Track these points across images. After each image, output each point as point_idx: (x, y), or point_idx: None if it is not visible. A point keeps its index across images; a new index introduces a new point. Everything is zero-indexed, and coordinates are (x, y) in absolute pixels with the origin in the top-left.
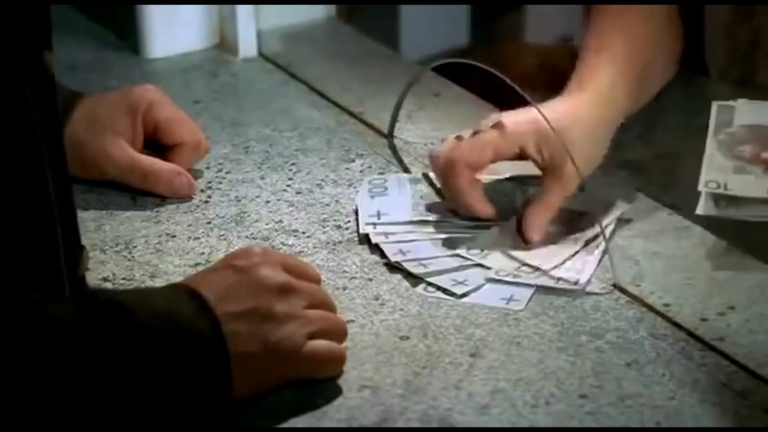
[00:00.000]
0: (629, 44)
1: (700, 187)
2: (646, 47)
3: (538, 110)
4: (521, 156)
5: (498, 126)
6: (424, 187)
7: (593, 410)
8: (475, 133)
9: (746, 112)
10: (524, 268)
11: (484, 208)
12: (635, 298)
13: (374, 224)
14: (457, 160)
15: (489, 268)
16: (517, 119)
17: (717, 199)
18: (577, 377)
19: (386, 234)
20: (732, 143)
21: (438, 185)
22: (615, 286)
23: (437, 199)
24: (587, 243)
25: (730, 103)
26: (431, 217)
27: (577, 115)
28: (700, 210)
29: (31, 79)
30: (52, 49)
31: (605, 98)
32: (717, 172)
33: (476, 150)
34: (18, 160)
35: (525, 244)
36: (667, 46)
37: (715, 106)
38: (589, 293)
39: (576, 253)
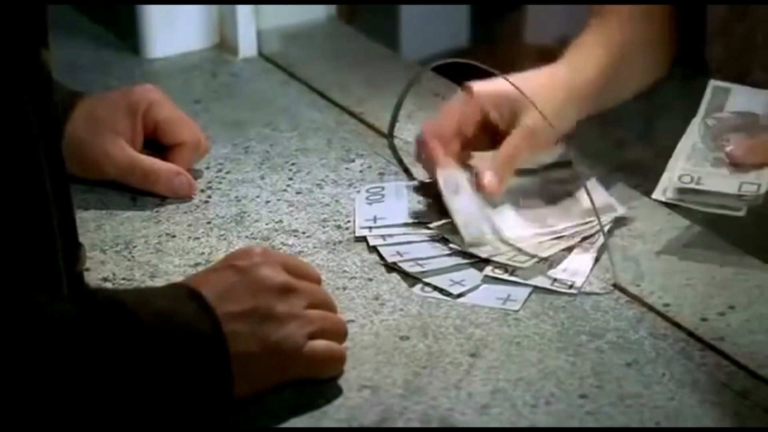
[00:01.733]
0: (614, 38)
1: (674, 178)
2: (631, 45)
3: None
4: (486, 123)
5: (466, 90)
6: (421, 194)
7: (593, 410)
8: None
9: (740, 97)
10: (519, 257)
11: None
12: (635, 298)
13: (370, 228)
14: (425, 132)
15: (483, 261)
16: (482, 86)
17: (684, 190)
18: (577, 377)
19: (384, 236)
20: (719, 130)
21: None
22: (615, 286)
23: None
24: (584, 239)
25: (727, 84)
26: (428, 220)
27: (538, 80)
28: (658, 195)
29: (28, 77)
30: (49, 47)
31: (572, 74)
32: (694, 165)
33: (442, 118)
34: (15, 158)
35: (480, 191)
36: (658, 48)
37: (711, 85)
38: (589, 293)
39: (572, 248)
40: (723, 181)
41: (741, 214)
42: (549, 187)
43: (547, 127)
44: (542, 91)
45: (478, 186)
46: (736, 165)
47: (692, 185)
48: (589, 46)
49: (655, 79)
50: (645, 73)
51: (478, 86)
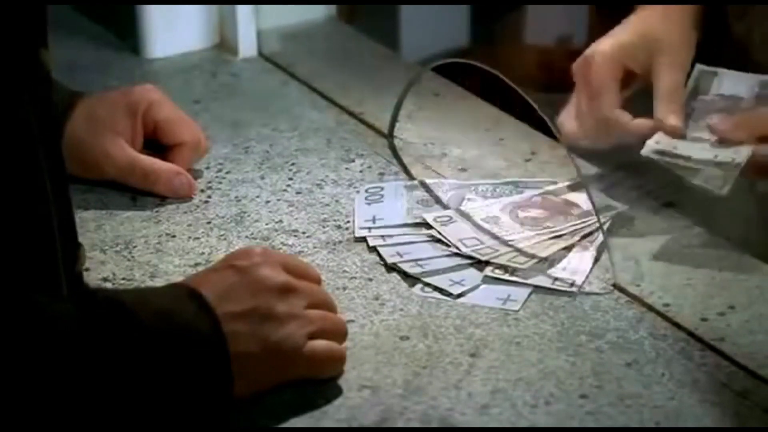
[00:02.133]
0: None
1: (651, 143)
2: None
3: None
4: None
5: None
6: (420, 194)
7: (593, 410)
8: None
9: (726, 81)
10: (519, 258)
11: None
12: (635, 298)
13: (369, 228)
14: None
15: (483, 262)
16: (608, 44)
17: (660, 151)
18: (577, 377)
19: (384, 237)
20: (703, 111)
21: (436, 192)
22: (615, 286)
23: (434, 205)
24: (583, 238)
25: (713, 69)
26: (427, 219)
27: (662, 20)
28: (645, 151)
29: (28, 77)
30: (48, 47)
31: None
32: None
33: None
34: (15, 158)
35: (672, 132)
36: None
37: (697, 69)
38: (589, 293)
39: (572, 246)
40: (699, 151)
41: (723, 192)
42: (546, 197)
43: (684, 50)
44: (667, 29)
45: (663, 131)
46: (720, 140)
47: (668, 149)
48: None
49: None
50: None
51: (605, 46)
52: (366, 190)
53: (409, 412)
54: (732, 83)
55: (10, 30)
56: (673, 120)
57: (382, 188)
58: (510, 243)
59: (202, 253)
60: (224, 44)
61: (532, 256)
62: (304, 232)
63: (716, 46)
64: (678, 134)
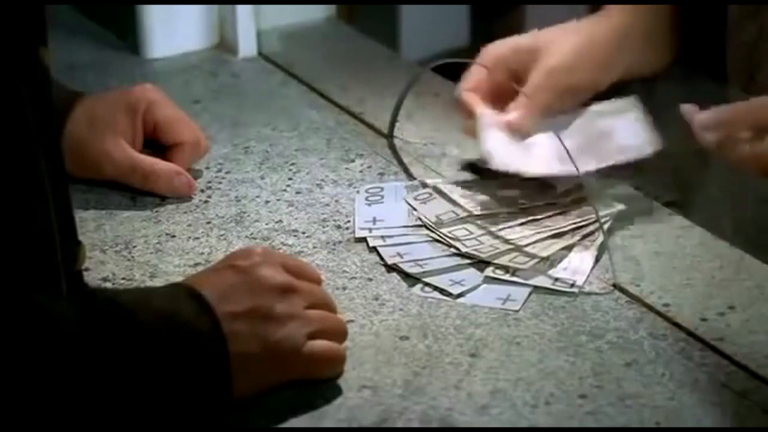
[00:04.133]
0: (617, 21)
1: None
2: (632, 28)
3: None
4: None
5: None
6: (421, 194)
7: (593, 410)
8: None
9: None
10: (520, 258)
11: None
12: (635, 298)
13: (369, 229)
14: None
15: (484, 262)
16: (497, 47)
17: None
18: (577, 377)
19: (384, 237)
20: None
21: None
22: (615, 286)
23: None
24: (584, 237)
25: None
26: (427, 219)
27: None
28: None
29: (27, 75)
30: (48, 45)
31: (594, 27)
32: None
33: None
34: (13, 155)
35: (509, 130)
36: (658, 41)
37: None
38: (589, 293)
39: (572, 246)
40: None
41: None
42: (591, 123)
43: (569, 70)
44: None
45: (506, 125)
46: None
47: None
48: (595, 23)
49: (651, 70)
50: (644, 57)
51: (493, 49)
52: (366, 191)
53: (409, 412)
54: None
55: (9, 28)
56: (516, 120)
57: (382, 188)
58: (510, 242)
59: (202, 253)
60: (224, 44)
61: (533, 256)
62: (304, 232)
63: (719, 53)
64: (513, 129)
